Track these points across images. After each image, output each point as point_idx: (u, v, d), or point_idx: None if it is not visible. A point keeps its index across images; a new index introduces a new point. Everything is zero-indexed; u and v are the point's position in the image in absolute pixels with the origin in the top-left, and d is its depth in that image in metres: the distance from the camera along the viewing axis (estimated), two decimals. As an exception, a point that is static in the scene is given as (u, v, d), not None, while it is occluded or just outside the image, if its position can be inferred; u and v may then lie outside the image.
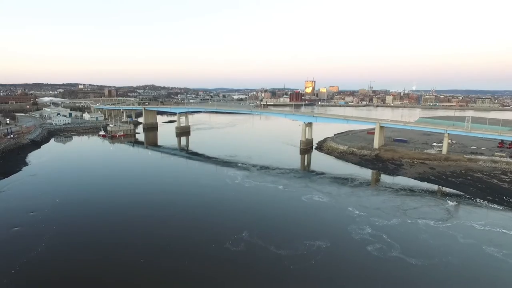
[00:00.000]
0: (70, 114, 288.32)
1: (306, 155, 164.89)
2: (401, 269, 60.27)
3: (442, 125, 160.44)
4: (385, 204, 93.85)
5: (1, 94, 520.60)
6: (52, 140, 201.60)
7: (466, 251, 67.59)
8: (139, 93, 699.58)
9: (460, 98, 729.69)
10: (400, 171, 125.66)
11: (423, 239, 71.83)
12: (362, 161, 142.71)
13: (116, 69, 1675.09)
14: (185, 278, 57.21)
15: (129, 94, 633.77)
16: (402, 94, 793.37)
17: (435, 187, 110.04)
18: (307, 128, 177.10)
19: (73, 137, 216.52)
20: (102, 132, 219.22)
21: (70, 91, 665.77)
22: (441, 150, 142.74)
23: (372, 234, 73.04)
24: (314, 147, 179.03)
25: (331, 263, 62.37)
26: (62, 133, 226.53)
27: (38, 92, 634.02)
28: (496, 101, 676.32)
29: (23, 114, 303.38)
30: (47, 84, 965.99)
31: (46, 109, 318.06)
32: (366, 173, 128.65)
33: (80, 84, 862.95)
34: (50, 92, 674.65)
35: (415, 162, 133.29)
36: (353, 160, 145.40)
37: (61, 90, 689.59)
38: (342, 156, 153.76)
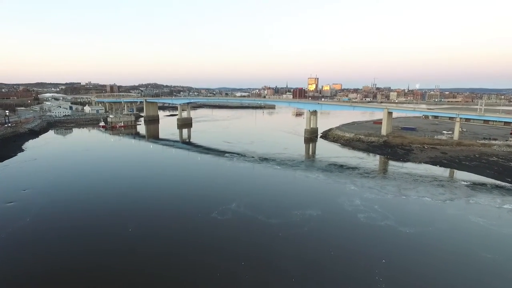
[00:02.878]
0: (70, 107, 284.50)
1: (310, 143, 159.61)
2: (393, 235, 59.29)
3: (454, 109, 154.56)
4: (387, 183, 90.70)
5: (3, 91, 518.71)
6: (51, 130, 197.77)
7: (456, 222, 66.38)
8: (141, 90, 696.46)
9: (466, 94, 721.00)
10: (410, 156, 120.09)
11: (418, 211, 71.10)
12: (369, 148, 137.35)
13: (119, 69, 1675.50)
14: (163, 245, 55.19)
15: (131, 91, 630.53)
16: (406, 90, 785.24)
17: (447, 170, 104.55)
18: (311, 116, 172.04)
19: (73, 128, 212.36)
20: (102, 123, 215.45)
21: (72, 87, 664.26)
22: (452, 137, 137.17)
23: (366, 205, 73.12)
24: (319, 136, 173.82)
25: (320, 230, 61.08)
26: (62, 124, 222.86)
27: (40, 89, 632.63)
28: (503, 97, 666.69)
29: (23, 108, 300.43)
30: (50, 84, 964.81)
31: (47, 103, 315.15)
32: (373, 158, 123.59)
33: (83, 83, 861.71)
34: (52, 89, 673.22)
35: (426, 147, 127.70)
36: (360, 147, 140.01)
37: (63, 87, 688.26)
38: (348, 143, 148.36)
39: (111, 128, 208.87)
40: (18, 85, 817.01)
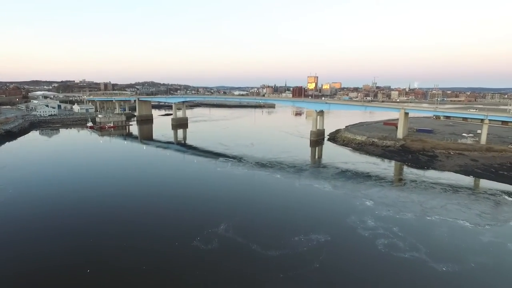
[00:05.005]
0: (59, 106, 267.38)
1: (317, 147, 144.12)
2: (426, 275, 46.14)
3: (481, 110, 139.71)
4: (409, 197, 76.37)
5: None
6: (33, 131, 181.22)
7: (503, 255, 51.54)
8: (137, 88, 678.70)
9: (468, 93, 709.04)
10: (435, 164, 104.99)
11: (450, 238, 56.39)
12: (386, 153, 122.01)
13: (115, 67, 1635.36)
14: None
15: (126, 89, 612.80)
16: (407, 89, 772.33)
17: (483, 182, 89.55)
18: (318, 117, 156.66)
19: (59, 129, 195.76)
20: (90, 124, 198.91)
21: (65, 85, 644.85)
22: (477, 140, 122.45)
23: (384, 227, 59.07)
24: (326, 138, 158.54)
25: (331, 268, 47.30)
26: (47, 124, 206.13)
27: (32, 87, 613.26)
28: (506, 96, 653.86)
29: (9, 107, 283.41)
30: (45, 82, 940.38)
31: (34, 101, 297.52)
32: (390, 166, 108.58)
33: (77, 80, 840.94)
34: (45, 87, 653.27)
35: (451, 153, 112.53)
36: (374, 152, 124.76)
37: (56, 85, 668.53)
38: (360, 147, 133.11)
39: (99, 129, 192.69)
40: (11, 83, 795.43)
